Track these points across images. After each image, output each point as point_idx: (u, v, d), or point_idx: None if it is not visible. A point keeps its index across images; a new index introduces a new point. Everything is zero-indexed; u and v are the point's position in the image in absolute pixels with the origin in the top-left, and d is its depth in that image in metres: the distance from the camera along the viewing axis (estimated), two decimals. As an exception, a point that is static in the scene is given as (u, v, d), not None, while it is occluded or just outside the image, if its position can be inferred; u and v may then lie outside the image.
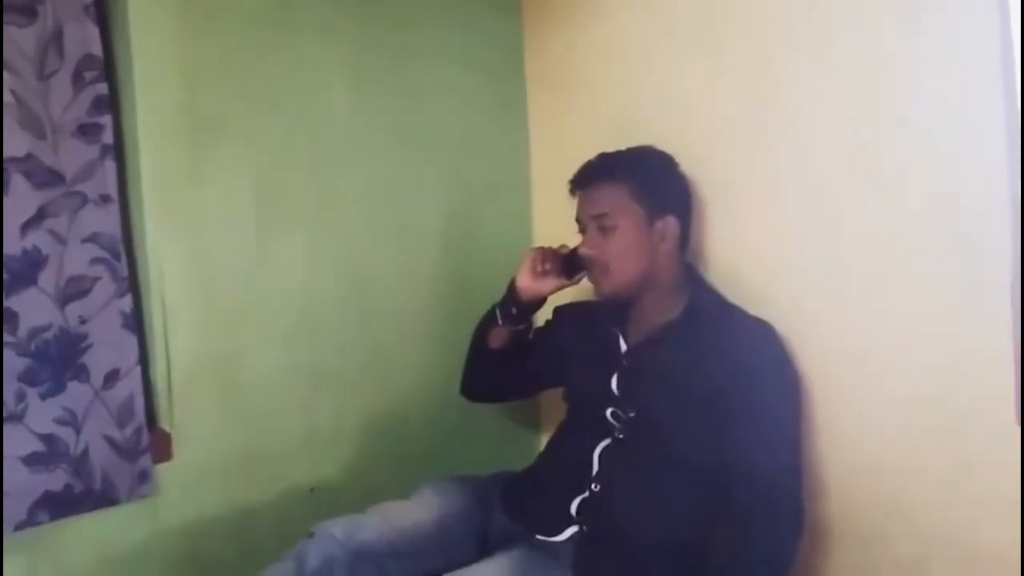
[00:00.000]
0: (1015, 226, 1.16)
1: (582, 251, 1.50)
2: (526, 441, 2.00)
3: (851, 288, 1.40)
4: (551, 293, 1.62)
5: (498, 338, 1.64)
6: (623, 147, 1.55)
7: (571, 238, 1.58)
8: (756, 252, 1.54)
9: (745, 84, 1.52)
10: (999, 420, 1.20)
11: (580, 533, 1.40)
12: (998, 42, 1.16)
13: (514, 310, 1.61)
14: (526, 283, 1.59)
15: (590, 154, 1.55)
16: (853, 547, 1.43)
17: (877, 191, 1.34)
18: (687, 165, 1.56)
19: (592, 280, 1.52)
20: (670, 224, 1.48)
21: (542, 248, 1.62)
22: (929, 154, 1.27)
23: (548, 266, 1.59)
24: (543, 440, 1.64)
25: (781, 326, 1.44)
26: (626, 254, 1.46)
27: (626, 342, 1.51)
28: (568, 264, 1.58)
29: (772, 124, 1.49)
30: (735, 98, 1.55)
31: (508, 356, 1.65)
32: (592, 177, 1.50)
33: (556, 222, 1.76)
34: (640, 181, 1.47)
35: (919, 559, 1.33)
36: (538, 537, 1.42)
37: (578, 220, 1.53)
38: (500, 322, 1.62)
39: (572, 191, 1.54)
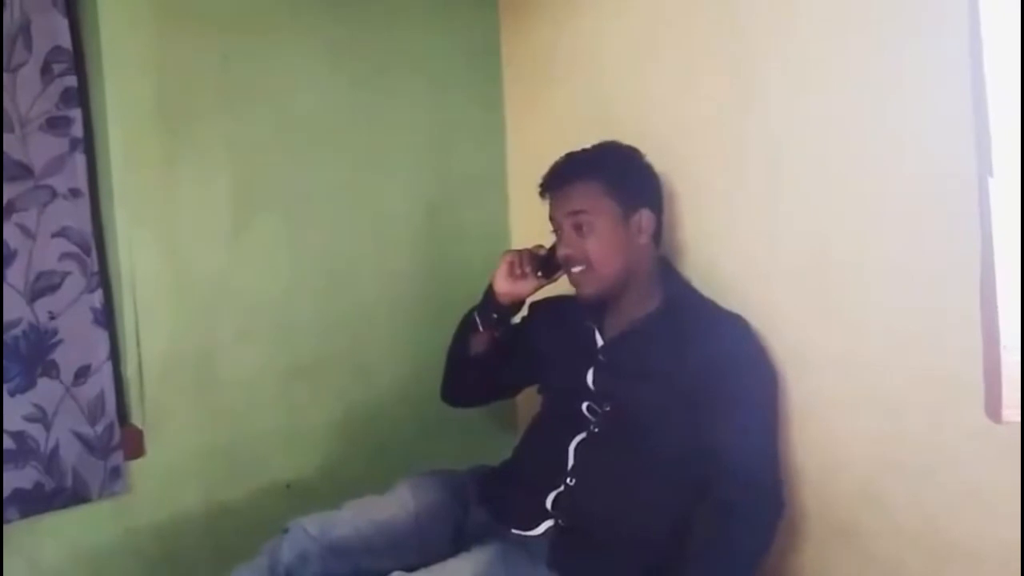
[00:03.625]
0: (984, 227, 1.17)
1: (561, 252, 1.48)
2: (503, 435, 1.99)
3: (826, 285, 1.40)
4: (530, 294, 1.61)
5: (479, 344, 1.63)
6: (599, 141, 1.54)
7: (548, 230, 1.58)
8: (732, 249, 1.54)
9: (723, 81, 1.52)
10: (972, 415, 1.20)
11: (555, 527, 1.40)
12: (967, 45, 1.16)
13: (494, 315, 1.60)
14: (504, 287, 1.58)
15: (566, 148, 1.54)
16: (829, 541, 1.43)
17: (851, 190, 1.35)
18: (664, 160, 1.55)
19: (574, 281, 1.50)
20: (645, 217, 1.47)
21: (518, 251, 1.61)
22: (902, 155, 1.28)
23: (527, 268, 1.58)
24: (520, 434, 1.64)
25: (757, 322, 1.44)
26: (606, 251, 1.45)
27: (602, 336, 1.51)
28: (545, 264, 1.58)
29: (749, 121, 1.49)
30: (712, 94, 1.54)
31: (489, 360, 1.64)
32: (564, 177, 1.49)
33: (533, 215, 1.75)
34: (612, 177, 1.46)
35: (894, 552, 1.34)
36: (514, 531, 1.42)
37: (552, 219, 1.51)
38: (480, 328, 1.61)
39: (543, 193, 1.52)
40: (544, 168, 1.53)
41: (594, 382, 1.47)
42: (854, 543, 1.39)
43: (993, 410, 1.18)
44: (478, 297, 1.63)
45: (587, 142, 1.54)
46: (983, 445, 1.20)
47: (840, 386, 1.39)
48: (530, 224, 1.65)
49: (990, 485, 1.21)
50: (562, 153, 1.53)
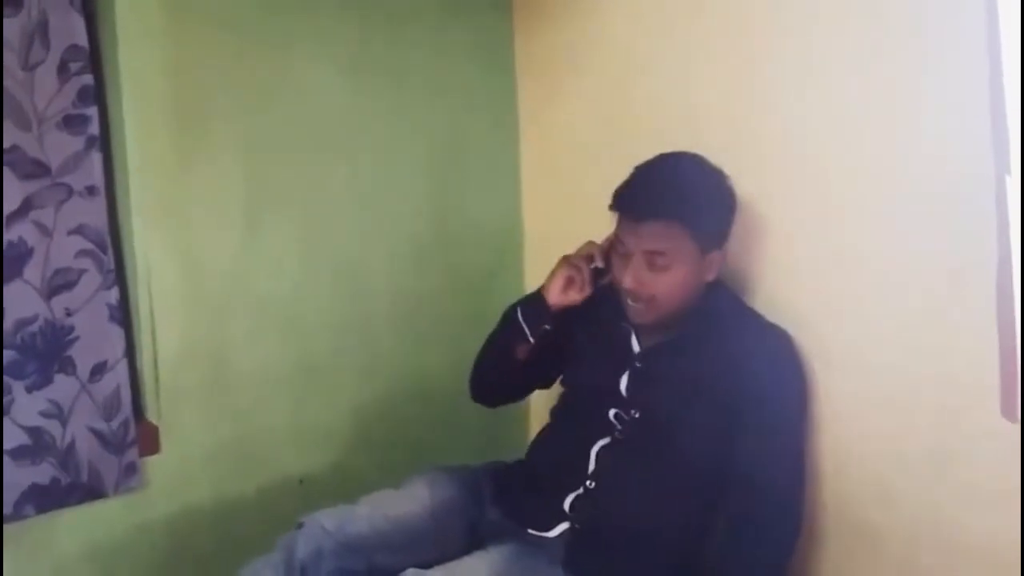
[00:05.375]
0: (1001, 225, 1.17)
1: (628, 284, 1.39)
2: (516, 430, 1.99)
3: (841, 284, 1.40)
4: (579, 302, 1.52)
5: (524, 351, 1.56)
6: (614, 142, 1.50)
7: (559, 230, 1.57)
8: (752, 249, 1.53)
9: (739, 80, 1.52)
10: (986, 416, 1.20)
11: (572, 530, 1.39)
12: (985, 39, 1.16)
13: (547, 326, 1.53)
14: (558, 299, 1.50)
15: (579, 146, 1.53)
16: (845, 540, 1.43)
17: (867, 190, 1.34)
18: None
19: (634, 311, 1.42)
20: (718, 256, 1.41)
21: (579, 266, 1.49)
22: (919, 154, 1.27)
23: (585, 280, 1.49)
24: (533, 428, 1.63)
25: (775, 321, 1.43)
26: (675, 290, 1.38)
27: (639, 342, 1.46)
28: (599, 276, 1.51)
29: (766, 121, 1.48)
30: (726, 93, 1.54)
31: (533, 363, 1.59)
32: (648, 211, 1.37)
33: (545, 214, 1.75)
34: (698, 219, 1.37)
35: (908, 551, 1.34)
36: (530, 532, 1.41)
37: (622, 241, 1.41)
38: (531, 339, 1.53)
39: (619, 212, 1.41)
40: (557, 165, 1.52)
41: (627, 388, 1.43)
42: (868, 542, 1.39)
43: (1010, 411, 1.18)
44: (488, 295, 1.61)
45: (600, 142, 1.51)
46: (997, 445, 1.20)
47: (855, 385, 1.38)
48: (542, 223, 1.64)
49: (1003, 485, 1.20)
50: (574, 151, 1.51)
